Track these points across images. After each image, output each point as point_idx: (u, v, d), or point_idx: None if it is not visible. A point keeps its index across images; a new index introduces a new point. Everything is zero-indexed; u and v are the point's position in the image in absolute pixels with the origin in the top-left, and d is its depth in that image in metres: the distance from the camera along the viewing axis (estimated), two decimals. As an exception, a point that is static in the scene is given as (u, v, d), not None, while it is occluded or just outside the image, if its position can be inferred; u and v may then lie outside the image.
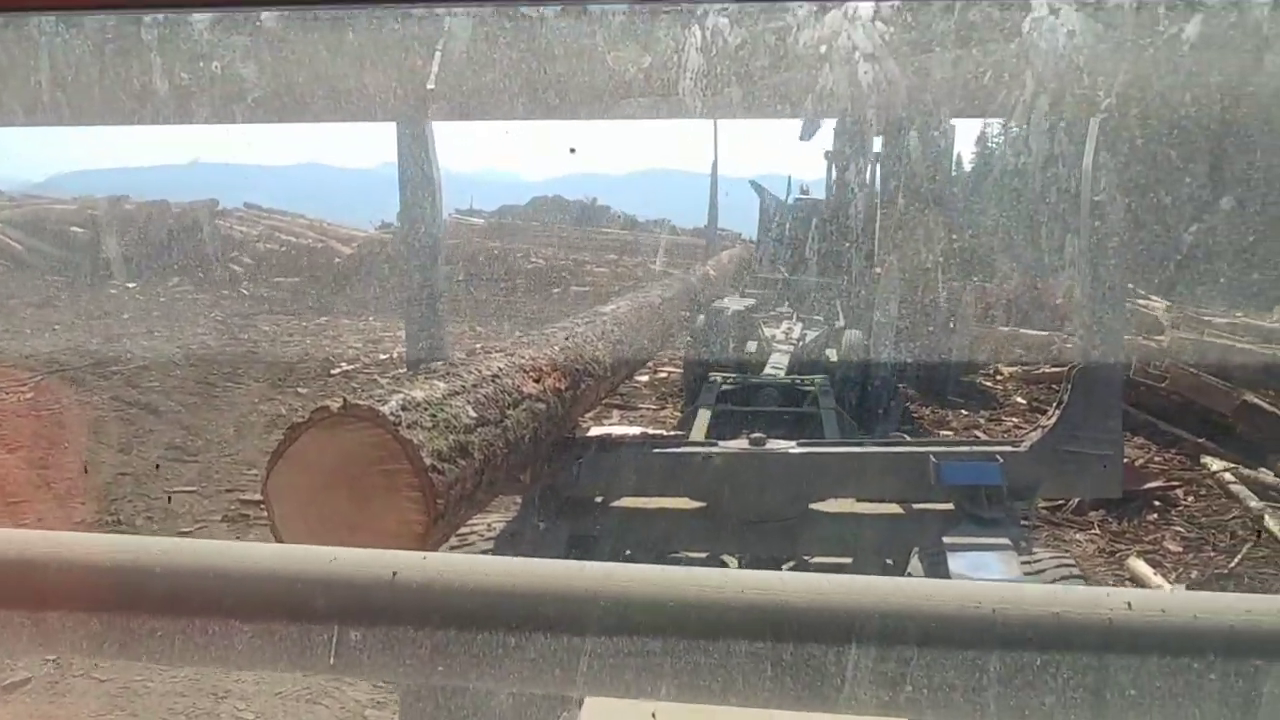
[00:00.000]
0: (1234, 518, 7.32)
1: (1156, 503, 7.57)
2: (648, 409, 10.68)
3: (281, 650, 1.08)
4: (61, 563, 1.11)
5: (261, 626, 1.08)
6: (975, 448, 3.66)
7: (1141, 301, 13.61)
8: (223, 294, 17.72)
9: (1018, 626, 0.97)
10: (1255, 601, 0.98)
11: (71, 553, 1.13)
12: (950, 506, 3.45)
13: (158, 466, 8.37)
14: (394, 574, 1.07)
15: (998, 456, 3.35)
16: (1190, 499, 7.80)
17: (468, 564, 1.12)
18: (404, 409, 2.23)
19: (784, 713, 1.06)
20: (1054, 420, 3.37)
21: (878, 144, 15.61)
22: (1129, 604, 0.98)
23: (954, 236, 17.98)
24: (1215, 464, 8.38)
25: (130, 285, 17.53)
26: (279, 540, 2.24)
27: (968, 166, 15.64)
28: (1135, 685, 0.95)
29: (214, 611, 1.09)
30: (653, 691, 1.04)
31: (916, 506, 3.60)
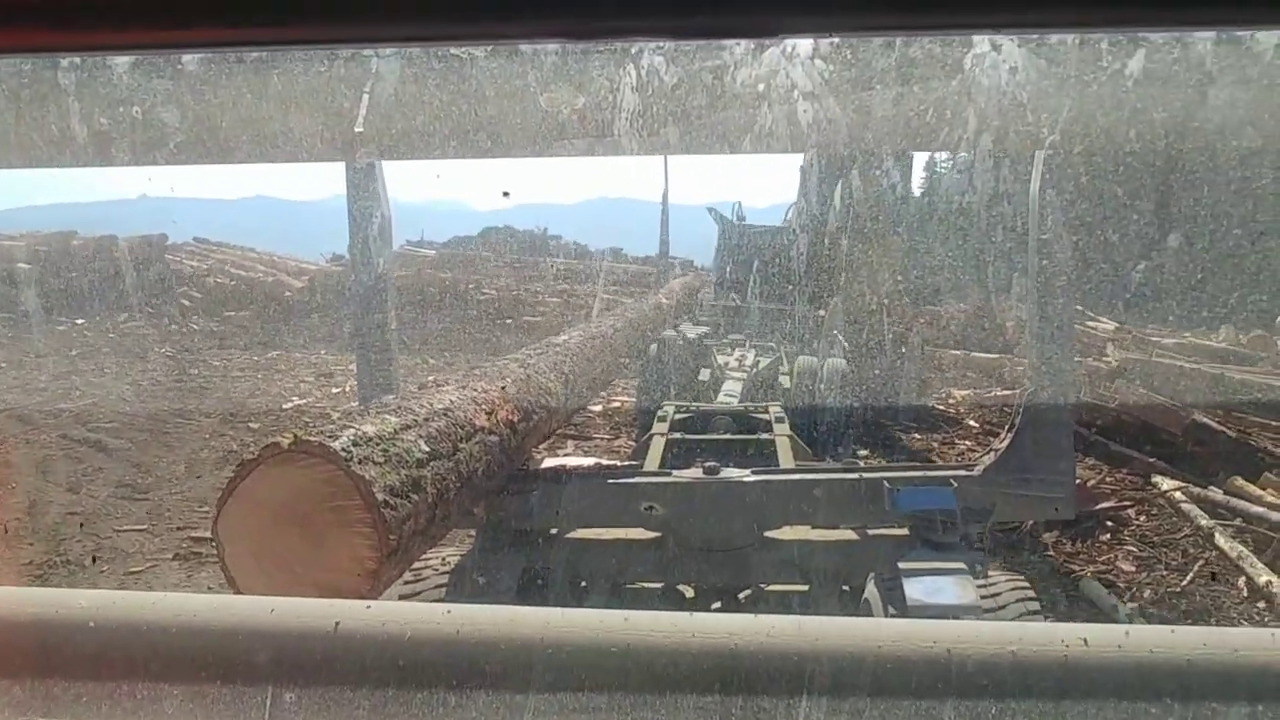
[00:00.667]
0: (1185, 536, 7.42)
1: (1109, 523, 7.67)
2: (601, 439, 10.66)
3: (214, 713, 1.04)
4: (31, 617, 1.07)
5: (193, 689, 1.04)
6: (929, 473, 3.69)
7: (1090, 323, 13.85)
8: (172, 329, 17.49)
9: (974, 667, 0.96)
10: (1209, 635, 0.99)
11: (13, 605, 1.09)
12: (905, 532, 3.47)
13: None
14: (336, 624, 1.04)
15: (952, 481, 3.38)
16: (1142, 518, 7.90)
17: (411, 612, 1.09)
18: (355, 444, 2.21)
19: None
20: (1006, 444, 3.41)
21: (831, 174, 15.83)
22: (1085, 640, 0.98)
23: (906, 263, 18.22)
24: (1166, 483, 8.49)
25: (79, 321, 17.26)
26: (230, 578, 2.21)
27: (917, 193, 15.82)
28: None
29: (144, 672, 1.04)
30: None
31: (872, 532, 3.62)
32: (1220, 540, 7.12)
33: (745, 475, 3.57)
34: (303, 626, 1.06)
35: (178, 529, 7.67)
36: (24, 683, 1.05)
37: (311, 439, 2.15)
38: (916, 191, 14.94)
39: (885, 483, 3.38)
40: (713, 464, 3.64)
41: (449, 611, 1.06)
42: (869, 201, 15.07)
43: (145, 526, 7.76)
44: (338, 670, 1.04)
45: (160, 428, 11.07)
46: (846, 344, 12.20)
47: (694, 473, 3.64)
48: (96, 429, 10.68)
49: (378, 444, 2.30)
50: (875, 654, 0.98)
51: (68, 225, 21.77)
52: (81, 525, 7.71)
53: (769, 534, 3.56)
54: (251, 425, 11.17)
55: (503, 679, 1.00)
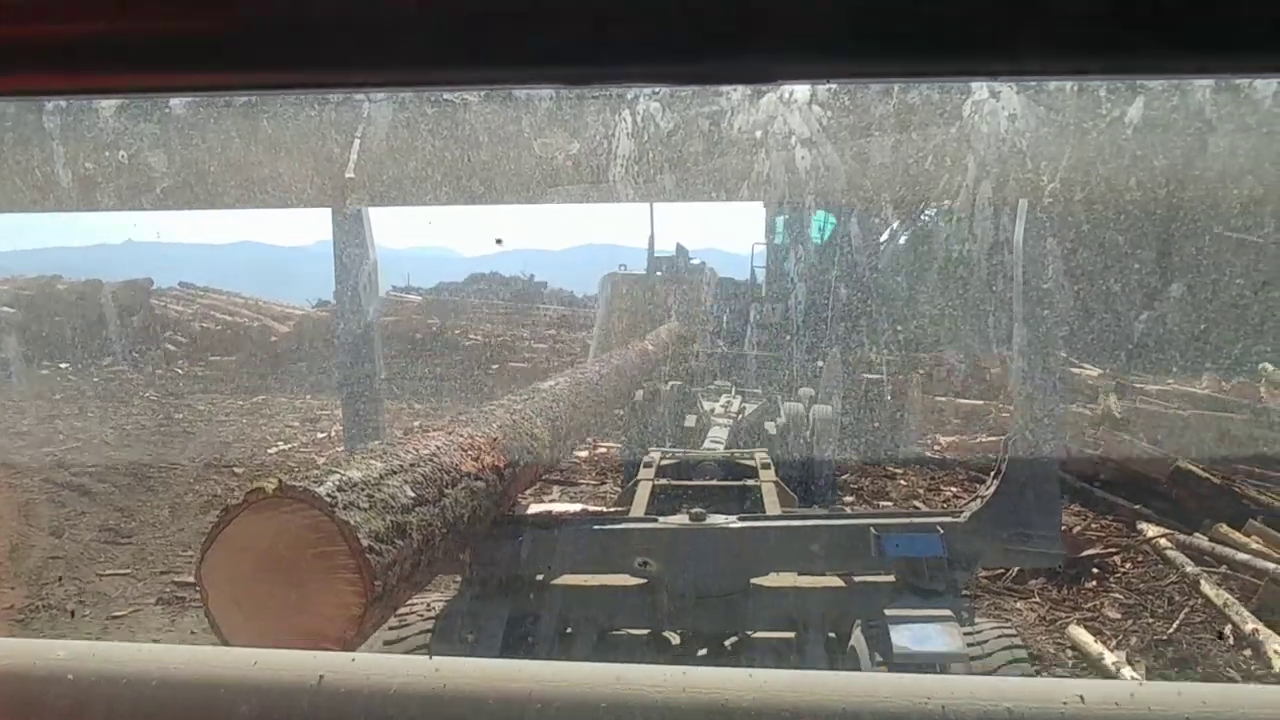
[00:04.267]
0: (1171, 583, 7.42)
1: (1095, 570, 7.66)
2: (587, 485, 10.63)
3: None
4: None
5: None
6: (916, 519, 3.69)
7: (1075, 369, 13.90)
8: (157, 373, 17.42)
9: None
10: (1212, 693, 0.97)
11: None
12: (892, 578, 3.46)
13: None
14: (320, 677, 1.02)
15: (938, 528, 3.37)
16: (1128, 565, 7.90)
17: (396, 665, 1.07)
18: (340, 489, 2.20)
19: None
20: (992, 490, 3.41)
21: (818, 223, 15.96)
22: (1081, 697, 0.96)
23: (893, 311, 18.34)
24: (1151, 530, 8.51)
25: (62, 365, 17.17)
26: (213, 624, 2.19)
27: (903, 242, 15.91)
28: None
29: None
30: None
31: (858, 579, 3.61)
32: (1206, 588, 7.12)
33: (731, 521, 3.56)
34: (287, 680, 1.03)
35: (161, 573, 7.60)
36: None
37: (296, 484, 2.13)
38: (909, 236, 15.00)
39: (872, 529, 3.38)
40: (699, 510, 3.63)
41: (436, 666, 1.05)
42: (864, 242, 15.18)
43: (129, 570, 7.69)
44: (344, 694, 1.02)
45: (144, 472, 10.99)
46: (836, 388, 12.24)
47: (680, 519, 3.63)
48: (80, 473, 10.60)
49: (363, 489, 2.29)
50: (869, 710, 0.96)
51: (52, 269, 21.73)
52: (64, 569, 7.64)
53: (755, 581, 3.54)
54: (236, 470, 11.10)
55: None
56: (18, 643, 1.11)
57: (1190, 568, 7.53)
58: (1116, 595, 7.22)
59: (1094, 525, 8.92)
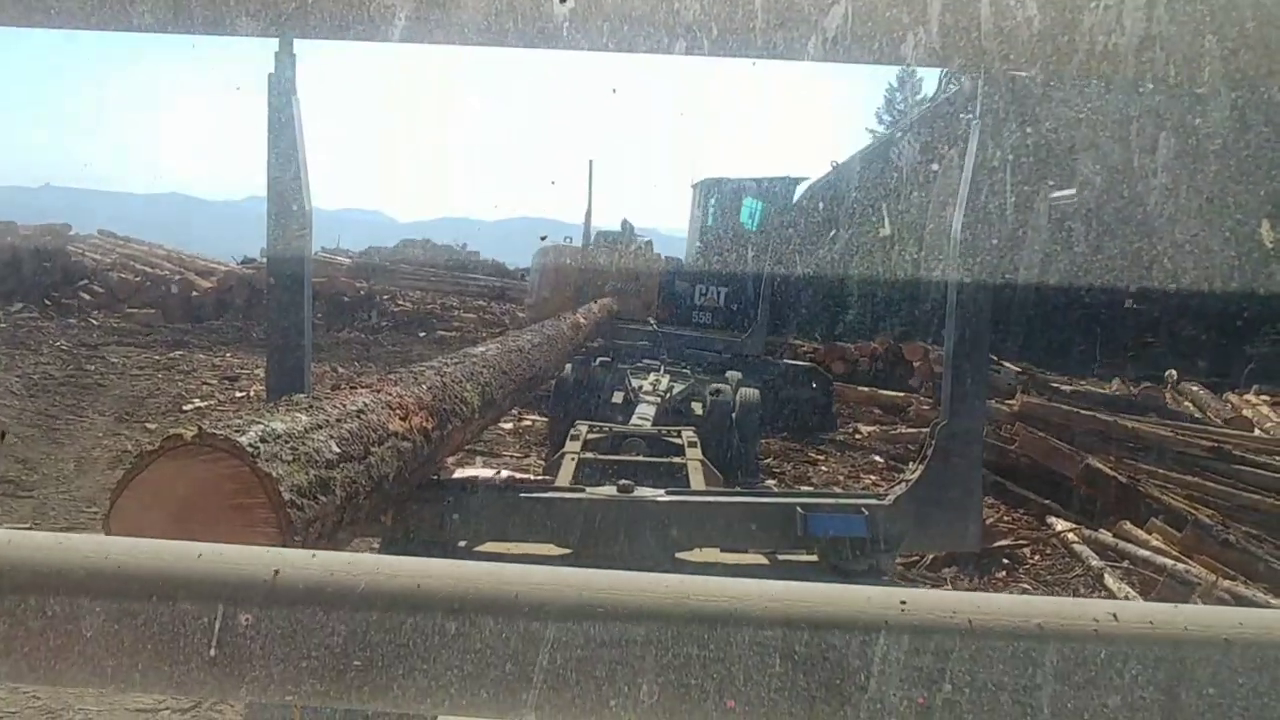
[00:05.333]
0: (1076, 576, 7.63)
1: (1005, 560, 7.84)
2: (512, 456, 10.58)
3: (146, 636, 0.94)
4: None
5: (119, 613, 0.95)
6: (841, 500, 3.71)
7: (994, 366, 14.19)
8: (70, 322, 16.90)
9: (998, 639, 0.93)
10: (1247, 616, 0.95)
11: None
12: (815, 558, 3.48)
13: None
14: (275, 573, 0.95)
15: (863, 509, 3.40)
16: (1036, 557, 8.10)
17: (365, 564, 0.99)
18: (263, 440, 2.13)
19: None
20: (917, 475, 3.44)
21: (749, 208, 16.02)
22: (1114, 615, 0.96)
23: (821, 294, 18.53)
24: (1060, 524, 8.73)
25: (-33, 309, 16.61)
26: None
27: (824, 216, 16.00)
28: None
29: (44, 616, 0.94)
30: (631, 692, 0.93)
31: (781, 557, 3.62)
32: (1109, 581, 7.33)
33: (659, 495, 3.55)
34: (239, 574, 0.96)
35: (63, 529, 7.38)
36: None
37: (217, 432, 2.06)
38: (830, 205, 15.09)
39: (798, 508, 3.38)
40: (627, 482, 3.62)
41: (416, 566, 0.97)
42: (791, 212, 15.27)
43: (27, 526, 7.45)
44: (301, 591, 0.95)
45: (50, 424, 10.67)
46: (763, 372, 12.33)
47: (608, 490, 3.61)
48: (-19, 421, 10.27)
49: (287, 441, 2.22)
50: (897, 622, 0.94)
51: (-38, 210, 20.98)
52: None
53: (680, 555, 3.54)
54: (149, 425, 10.84)
55: (520, 609, 0.94)
56: None
57: (1095, 562, 7.74)
58: (1025, 585, 7.40)
59: (1006, 518, 9.13)
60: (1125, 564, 7.70)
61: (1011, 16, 1.00)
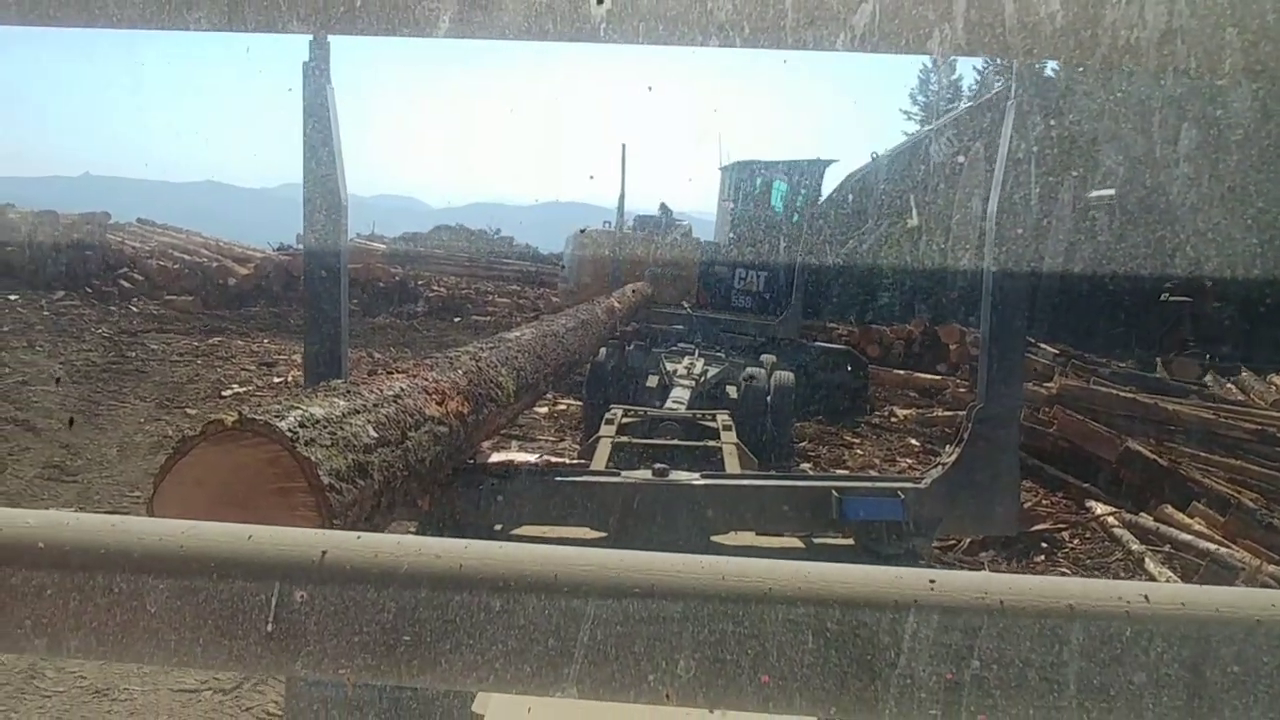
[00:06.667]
0: (1116, 560, 7.56)
1: (1044, 544, 7.79)
2: (546, 440, 10.62)
3: (206, 613, 0.97)
4: None
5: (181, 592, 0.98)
6: (877, 483, 3.69)
7: (1032, 348, 14.05)
8: (111, 309, 17.12)
9: (1029, 619, 0.95)
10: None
11: None
12: (850, 542, 3.47)
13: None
14: (323, 554, 0.98)
15: (899, 493, 3.38)
16: (1076, 541, 8.03)
17: (409, 544, 1.02)
18: (302, 425, 2.15)
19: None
20: (954, 458, 3.42)
21: (780, 175, 15.92)
22: (1146, 596, 0.96)
23: (855, 282, 18.42)
24: (1099, 508, 8.65)
25: (11, 296, 16.84)
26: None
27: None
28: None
29: (106, 597, 0.98)
30: (668, 668, 0.95)
31: (817, 540, 3.62)
32: (1150, 566, 7.25)
33: (695, 479, 3.55)
34: (286, 555, 1.00)
35: (107, 513, 7.48)
36: None
37: (257, 417, 2.08)
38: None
39: (833, 491, 3.38)
40: (662, 466, 3.62)
41: (461, 546, 1.00)
42: (826, 197, 15.15)
43: (73, 509, 7.56)
44: (349, 571, 0.97)
45: (93, 409, 10.83)
46: (799, 355, 12.30)
47: (643, 474, 3.62)
48: (26, 408, 10.42)
49: (325, 426, 2.24)
50: (927, 601, 0.96)
51: (5, 199, 21.28)
52: (4, 505, 7.50)
53: (715, 539, 3.54)
54: (189, 411, 10.97)
55: (561, 586, 0.96)
56: None
57: (1135, 546, 7.67)
58: (1064, 569, 7.34)
59: (1044, 501, 9.05)
60: (1167, 548, 7.62)
61: (1034, 12, 1.03)
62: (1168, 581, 6.78)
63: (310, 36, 3.12)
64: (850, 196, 15.11)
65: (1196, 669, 0.92)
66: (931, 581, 0.98)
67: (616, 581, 0.97)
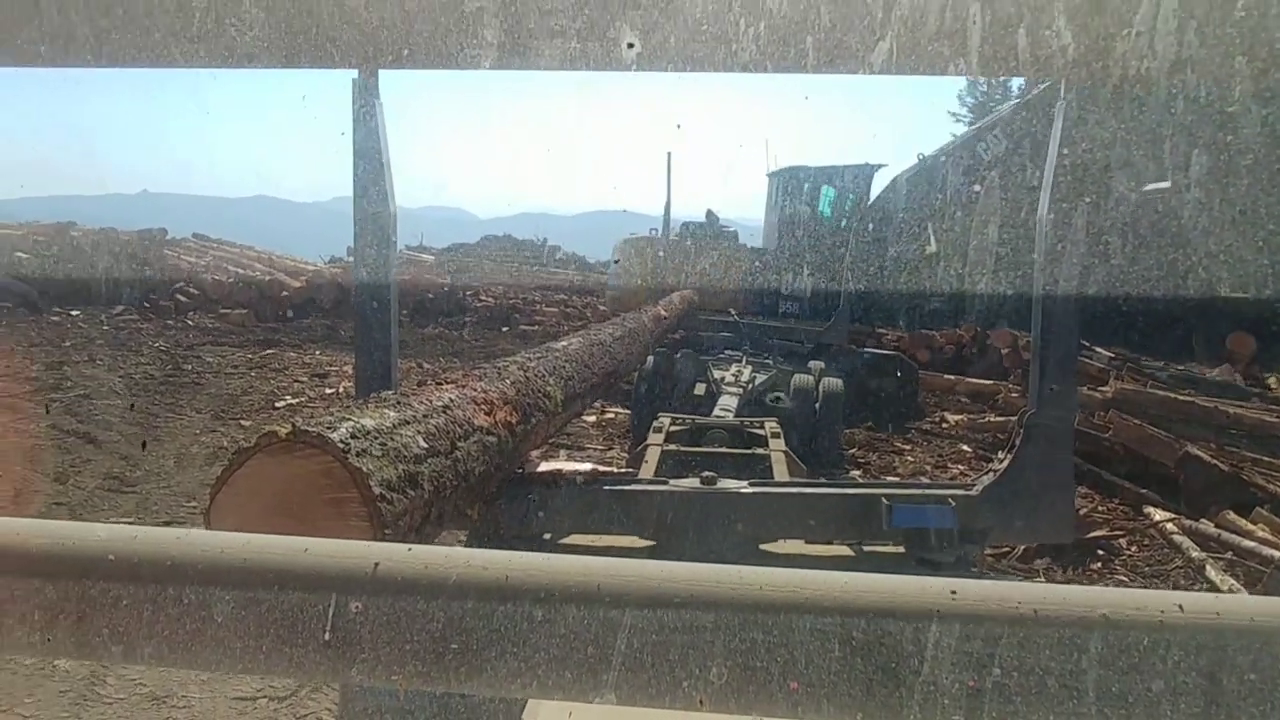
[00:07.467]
0: (1176, 568, 7.41)
1: (1100, 552, 7.65)
2: (595, 449, 10.64)
3: (269, 621, 1.02)
4: (4, 548, 1.07)
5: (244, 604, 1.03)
6: (928, 490, 3.66)
7: (1086, 351, 13.83)
8: (167, 323, 17.44)
9: (1063, 628, 0.98)
10: None
11: (17, 537, 1.09)
12: (901, 549, 3.44)
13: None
14: (375, 565, 1.03)
15: (950, 500, 3.35)
16: (1134, 548, 7.89)
17: (456, 556, 1.06)
18: (354, 436, 2.18)
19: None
20: (1006, 465, 3.38)
21: (827, 197, 15.85)
22: (1180, 606, 0.98)
23: (904, 285, 18.27)
24: (1158, 514, 8.49)
25: (74, 313, 17.22)
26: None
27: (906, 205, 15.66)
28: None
29: (175, 606, 1.03)
30: (701, 674, 0.99)
31: (867, 548, 3.60)
32: (1211, 573, 7.10)
33: (743, 487, 3.54)
34: (340, 567, 1.04)
35: (164, 523, 7.62)
36: (53, 611, 1.04)
37: (310, 429, 2.12)
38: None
39: (883, 499, 3.35)
40: (710, 474, 3.62)
41: (501, 559, 1.06)
42: (873, 203, 15.02)
43: (131, 520, 7.71)
44: (400, 582, 1.02)
45: (150, 421, 11.03)
46: (846, 362, 12.23)
47: (691, 483, 3.62)
48: (87, 420, 10.64)
49: (376, 437, 2.27)
50: (958, 612, 0.99)
51: (66, 217, 21.79)
52: (67, 516, 7.66)
53: (764, 547, 3.54)
54: (243, 423, 11.13)
55: (598, 598, 1.01)
56: (55, 524, 1.13)
57: (1196, 553, 7.51)
58: (1122, 578, 7.21)
59: (1100, 508, 8.91)
60: (1229, 555, 7.46)
61: (1047, 46, 1.08)
62: (1230, 590, 6.64)
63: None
64: (896, 199, 15.01)
65: (1214, 677, 0.95)
66: (953, 591, 1.01)
67: (652, 591, 1.01)
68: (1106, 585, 7.01)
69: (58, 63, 1.24)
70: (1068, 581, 7.01)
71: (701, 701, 1.00)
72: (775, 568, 1.05)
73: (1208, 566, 7.20)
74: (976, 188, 14.04)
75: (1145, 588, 6.96)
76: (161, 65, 1.26)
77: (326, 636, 1.01)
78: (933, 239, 14.96)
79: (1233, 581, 6.84)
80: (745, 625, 0.99)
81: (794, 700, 0.99)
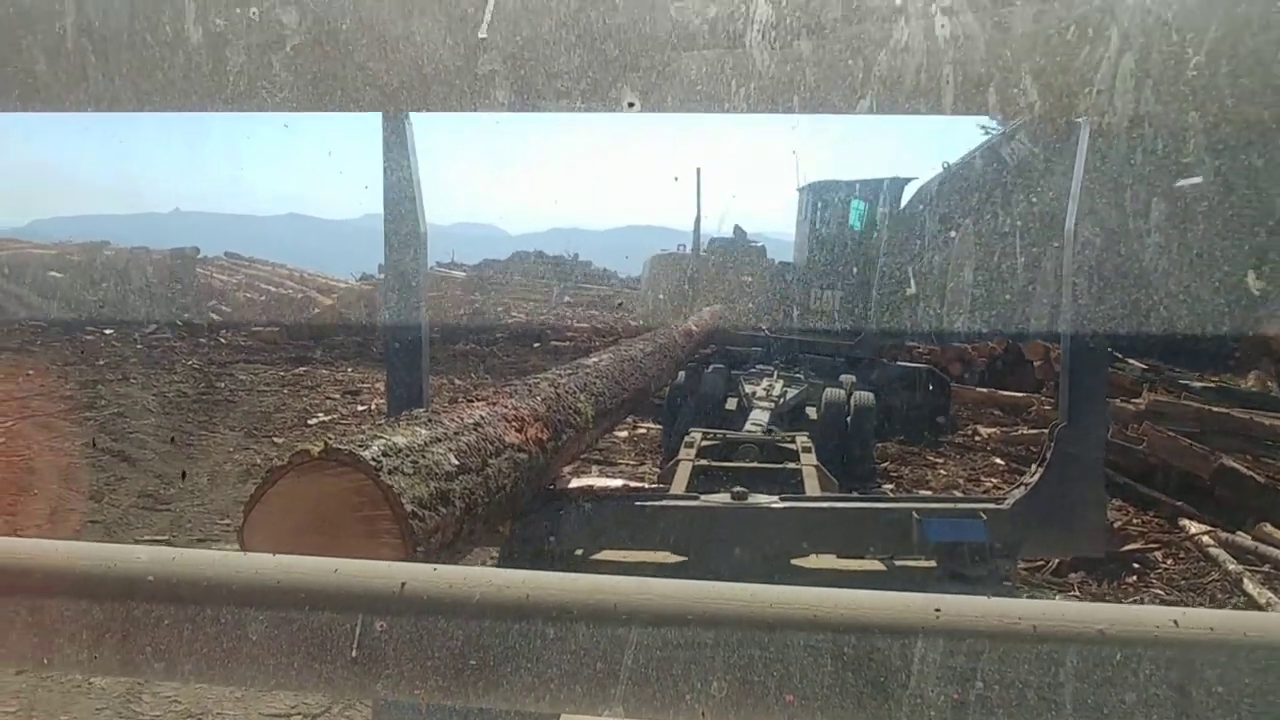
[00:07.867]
0: (1213, 581, 7.31)
1: (1135, 565, 7.56)
2: (626, 465, 10.64)
3: (299, 640, 1.05)
4: (52, 570, 1.10)
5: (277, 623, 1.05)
6: (959, 504, 3.64)
7: (1119, 364, 13.69)
8: (200, 341, 17.60)
9: (1058, 644, 1.01)
10: None
11: (64, 560, 1.11)
12: (933, 564, 3.42)
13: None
14: (402, 585, 1.06)
15: (981, 514, 3.32)
16: (1169, 561, 7.79)
17: (480, 576, 1.09)
18: (385, 454, 2.19)
19: None
20: (1037, 478, 3.35)
21: (857, 210, 15.80)
22: (1175, 622, 1.01)
23: (934, 298, 18.16)
24: (1193, 527, 8.38)
25: (107, 331, 17.42)
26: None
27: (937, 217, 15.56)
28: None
29: (213, 625, 1.05)
30: (703, 689, 1.02)
31: (899, 563, 3.57)
32: (1249, 586, 7.00)
33: (774, 502, 3.53)
34: (368, 587, 1.08)
35: (198, 540, 7.69)
36: (100, 628, 1.08)
37: (342, 447, 2.13)
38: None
39: (914, 513, 3.33)
40: (741, 489, 3.61)
41: (522, 579, 1.11)
42: (897, 219, 14.95)
43: (167, 537, 7.77)
44: (425, 601, 1.05)
45: (184, 439, 11.13)
46: (876, 376, 12.16)
47: (722, 498, 3.61)
48: (121, 438, 10.75)
49: (408, 455, 2.28)
50: (958, 629, 1.02)
51: (100, 236, 22.07)
52: (102, 534, 7.74)
53: (795, 562, 3.52)
54: (276, 440, 11.21)
55: (600, 616, 1.04)
56: (99, 546, 1.17)
57: (1233, 565, 7.41)
58: (1158, 591, 7.12)
59: (1135, 520, 8.81)
60: (1266, 568, 7.35)
61: (1015, 103, 1.18)
62: (1268, 604, 6.55)
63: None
64: (923, 209, 14.95)
65: (1183, 689, 0.98)
66: (937, 610, 1.04)
67: (656, 610, 1.05)
68: (1142, 599, 6.93)
69: (103, 109, 1.31)
70: (1102, 596, 6.94)
71: (703, 714, 1.04)
72: (769, 585, 1.10)
73: (1245, 579, 7.10)
74: (1000, 193, 13.94)
75: (1181, 602, 6.87)
76: (199, 110, 1.34)
77: (354, 654, 1.04)
78: (960, 246, 14.87)
79: (1270, 595, 6.74)
80: (744, 642, 1.03)
81: (790, 713, 1.03)
